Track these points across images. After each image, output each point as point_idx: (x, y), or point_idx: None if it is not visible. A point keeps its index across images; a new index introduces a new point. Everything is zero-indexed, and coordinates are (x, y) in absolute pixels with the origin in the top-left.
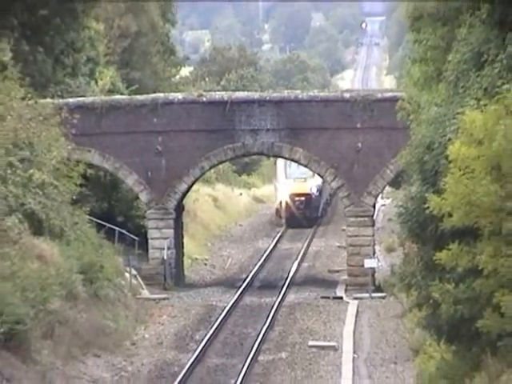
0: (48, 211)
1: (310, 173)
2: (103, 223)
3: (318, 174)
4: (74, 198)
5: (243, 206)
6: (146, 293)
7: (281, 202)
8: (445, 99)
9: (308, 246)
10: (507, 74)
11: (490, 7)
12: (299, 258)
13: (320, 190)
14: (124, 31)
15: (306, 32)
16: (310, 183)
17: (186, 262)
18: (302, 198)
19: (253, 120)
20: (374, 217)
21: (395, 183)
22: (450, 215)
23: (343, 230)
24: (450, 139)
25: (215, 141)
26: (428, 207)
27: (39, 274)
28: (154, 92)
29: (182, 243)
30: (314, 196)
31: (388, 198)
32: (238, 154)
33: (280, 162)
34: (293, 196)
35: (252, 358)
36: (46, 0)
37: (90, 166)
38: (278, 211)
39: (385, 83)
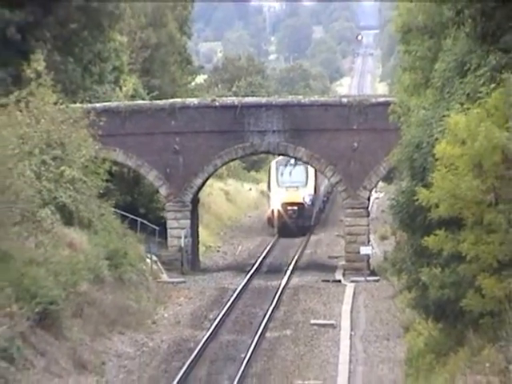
0: (78, 204)
1: (303, 181)
2: (127, 214)
3: (318, 171)
4: (101, 192)
5: (252, 199)
6: (165, 277)
7: (273, 211)
8: (432, 103)
9: (310, 235)
10: (490, 83)
11: (472, 22)
12: (302, 246)
13: (313, 199)
14: (145, 43)
15: (308, 43)
16: (303, 192)
17: (201, 249)
18: (295, 207)
19: (260, 122)
20: (369, 208)
21: (387, 179)
22: (437, 207)
23: (341, 220)
24: (436, 139)
25: (227, 141)
26: (417, 200)
27: (70, 260)
28: (172, 97)
29: (198, 232)
30: (306, 205)
31: (381, 192)
32: (247, 153)
33: (273, 169)
34: (285, 205)
35: (260, 335)
36: (75, 15)
37: (115, 163)
38: (270, 220)
39: (378, 89)
